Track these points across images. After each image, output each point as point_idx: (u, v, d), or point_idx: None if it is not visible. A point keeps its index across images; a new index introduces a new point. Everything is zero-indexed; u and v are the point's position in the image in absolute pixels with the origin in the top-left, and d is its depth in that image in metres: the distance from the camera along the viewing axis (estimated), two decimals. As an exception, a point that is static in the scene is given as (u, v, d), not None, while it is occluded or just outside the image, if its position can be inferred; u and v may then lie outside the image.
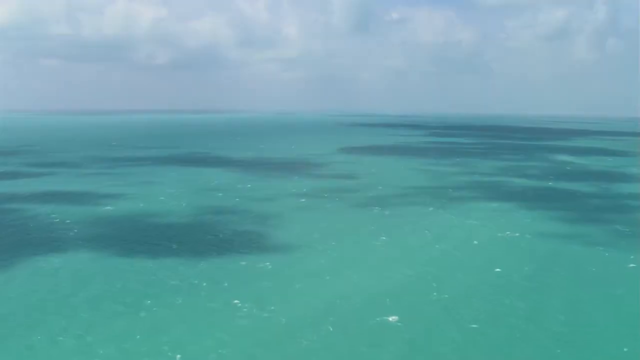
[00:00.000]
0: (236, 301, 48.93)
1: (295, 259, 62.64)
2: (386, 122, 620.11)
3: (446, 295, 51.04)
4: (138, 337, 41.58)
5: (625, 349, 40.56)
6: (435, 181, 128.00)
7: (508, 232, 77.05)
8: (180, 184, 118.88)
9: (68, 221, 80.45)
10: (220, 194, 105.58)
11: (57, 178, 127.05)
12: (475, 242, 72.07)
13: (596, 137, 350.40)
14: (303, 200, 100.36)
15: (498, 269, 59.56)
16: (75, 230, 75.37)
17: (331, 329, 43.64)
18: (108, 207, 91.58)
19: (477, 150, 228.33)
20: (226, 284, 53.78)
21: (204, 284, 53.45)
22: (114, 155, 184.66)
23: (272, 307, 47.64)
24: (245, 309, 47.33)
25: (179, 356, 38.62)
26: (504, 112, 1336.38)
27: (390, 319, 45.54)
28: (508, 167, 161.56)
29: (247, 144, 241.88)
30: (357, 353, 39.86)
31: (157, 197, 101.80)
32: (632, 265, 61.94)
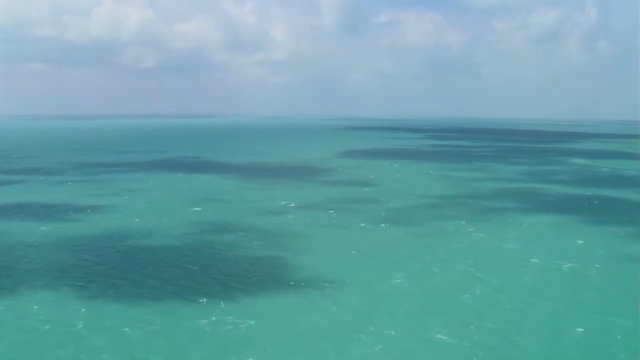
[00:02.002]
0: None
1: (291, 311, 43.75)
2: (378, 125, 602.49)
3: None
4: None
5: None
6: (457, 189, 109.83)
7: (567, 262, 58.67)
8: (162, 193, 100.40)
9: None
10: (206, 207, 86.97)
11: (22, 187, 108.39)
12: (529, 277, 53.60)
13: (598, 140, 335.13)
14: (305, 214, 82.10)
15: (580, 328, 40.95)
16: (4, 259, 56.35)
17: None
18: (67, 225, 73.28)
19: (486, 153, 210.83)
20: (188, 360, 34.79)
21: (152, 364, 34.36)
22: (94, 160, 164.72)
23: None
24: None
25: None
26: (495, 115, 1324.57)
27: None
28: (529, 171, 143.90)
29: (239, 148, 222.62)
30: None
31: (130, 211, 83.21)
32: None
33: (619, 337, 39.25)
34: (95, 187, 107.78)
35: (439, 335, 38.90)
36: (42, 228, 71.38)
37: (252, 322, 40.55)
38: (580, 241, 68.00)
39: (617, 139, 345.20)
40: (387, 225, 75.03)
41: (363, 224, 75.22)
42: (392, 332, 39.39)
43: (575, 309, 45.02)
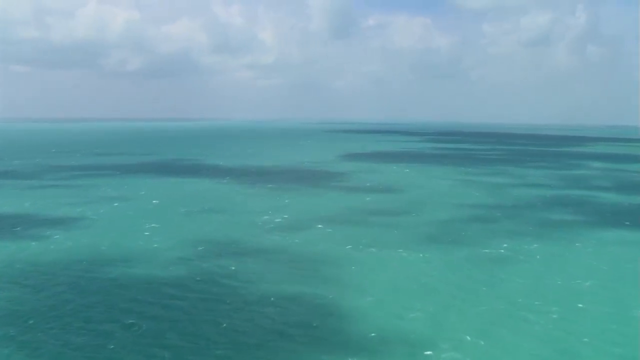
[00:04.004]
0: None
1: None
2: (369, 129, 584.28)
3: None
4: None
5: None
6: (492, 197, 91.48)
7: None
8: (153, 201, 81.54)
9: None
10: (192, 221, 68.10)
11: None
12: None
13: (602, 143, 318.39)
14: (318, 231, 63.31)
15: None
16: None
17: None
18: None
19: (497, 156, 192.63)
20: None
21: None
22: (75, 163, 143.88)
23: None
24: None
25: None
26: (485, 120, 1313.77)
27: None
28: (558, 176, 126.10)
29: (231, 151, 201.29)
30: None
31: (115, 225, 64.55)
32: None
33: None
34: (77, 193, 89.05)
35: None
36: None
37: None
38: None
39: (619, 143, 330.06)
40: (427, 247, 56.19)
41: (396, 247, 56.09)
42: None
43: None
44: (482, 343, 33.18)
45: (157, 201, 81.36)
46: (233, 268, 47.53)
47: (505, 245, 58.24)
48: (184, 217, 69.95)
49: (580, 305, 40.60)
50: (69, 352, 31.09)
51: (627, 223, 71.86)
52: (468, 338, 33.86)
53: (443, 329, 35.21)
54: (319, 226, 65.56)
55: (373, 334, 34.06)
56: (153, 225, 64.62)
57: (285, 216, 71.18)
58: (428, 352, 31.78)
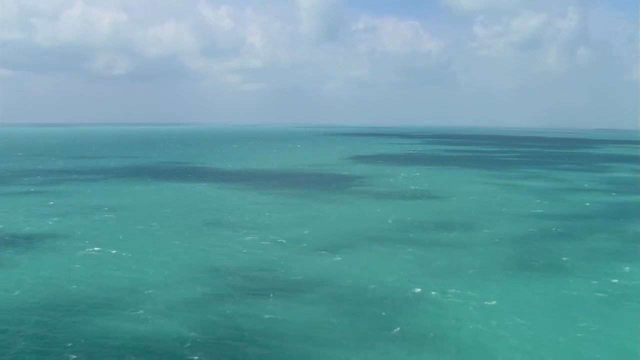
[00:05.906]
0: None
1: None
2: (361, 132, 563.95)
3: None
4: None
5: None
6: (549, 205, 73.63)
7: None
8: (145, 212, 63.00)
9: None
10: (187, 238, 50.12)
11: None
12: None
13: (613, 145, 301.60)
14: (358, 254, 45.07)
15: None
16: None
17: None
18: None
19: (517, 159, 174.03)
20: None
21: None
22: (38, 167, 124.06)
23: None
24: None
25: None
26: (477, 124, 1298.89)
27: None
28: (602, 179, 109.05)
29: (224, 154, 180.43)
30: None
31: (47, 250, 45.68)
32: None
33: None
34: (50, 201, 71.64)
35: None
36: None
37: None
38: None
39: (623, 145, 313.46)
40: (509, 279, 38.52)
41: (463, 278, 37.93)
42: None
43: None
44: None
45: (113, 215, 61.29)
46: (200, 331, 28.16)
47: (616, 273, 39.82)
48: (141, 238, 50.11)
49: None
50: None
51: None
52: None
53: None
54: (337, 247, 46.49)
55: None
56: (95, 249, 44.81)
57: (280, 233, 52.09)
58: None
